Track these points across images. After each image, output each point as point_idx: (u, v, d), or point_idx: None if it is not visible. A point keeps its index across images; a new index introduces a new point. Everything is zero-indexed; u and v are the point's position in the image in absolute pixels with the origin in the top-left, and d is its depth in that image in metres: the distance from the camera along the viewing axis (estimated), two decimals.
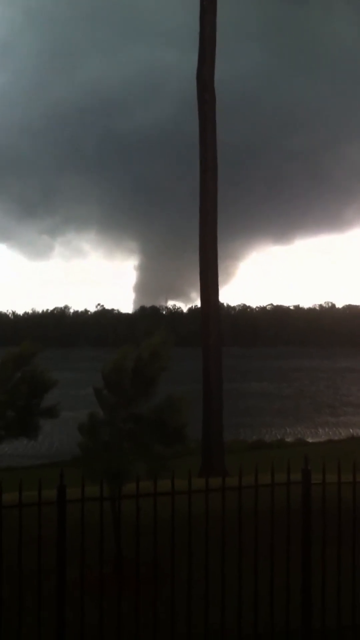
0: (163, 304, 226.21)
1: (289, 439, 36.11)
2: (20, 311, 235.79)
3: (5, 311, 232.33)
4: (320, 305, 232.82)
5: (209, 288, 20.69)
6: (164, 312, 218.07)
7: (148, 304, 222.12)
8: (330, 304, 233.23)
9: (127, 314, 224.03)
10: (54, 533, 6.43)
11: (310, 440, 36.23)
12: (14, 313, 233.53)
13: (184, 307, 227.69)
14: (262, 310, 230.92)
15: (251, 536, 6.67)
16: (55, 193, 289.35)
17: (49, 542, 6.41)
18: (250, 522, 6.62)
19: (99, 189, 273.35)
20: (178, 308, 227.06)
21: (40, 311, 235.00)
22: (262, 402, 57.66)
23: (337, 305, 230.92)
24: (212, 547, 6.52)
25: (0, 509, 6.34)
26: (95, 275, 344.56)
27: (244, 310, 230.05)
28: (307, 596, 6.84)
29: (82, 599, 6.34)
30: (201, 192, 20.76)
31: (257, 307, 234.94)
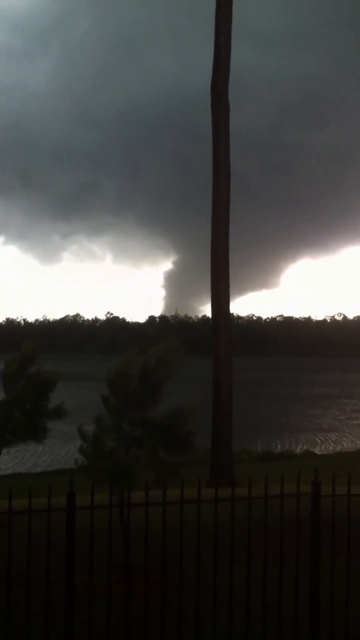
0: (179, 313, 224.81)
1: (297, 451, 36.04)
2: (31, 318, 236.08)
3: (16, 318, 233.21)
4: (332, 317, 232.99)
5: (220, 297, 20.64)
6: (173, 322, 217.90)
7: (181, 311, 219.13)
8: (342, 316, 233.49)
9: (137, 323, 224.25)
10: (63, 540, 6.43)
11: (318, 452, 36.13)
12: (25, 320, 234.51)
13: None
14: (273, 321, 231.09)
15: (260, 546, 6.65)
16: (92, 195, 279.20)
17: (58, 548, 6.41)
18: (259, 533, 6.60)
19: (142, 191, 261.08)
20: (190, 317, 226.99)
21: (51, 319, 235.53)
22: (272, 414, 57.50)
23: (348, 317, 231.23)
24: (220, 556, 6.50)
25: (10, 515, 6.36)
26: (112, 282, 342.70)
27: (255, 321, 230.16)
28: (316, 607, 6.81)
29: (90, 605, 6.33)
30: (213, 201, 20.73)
31: (267, 318, 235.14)
